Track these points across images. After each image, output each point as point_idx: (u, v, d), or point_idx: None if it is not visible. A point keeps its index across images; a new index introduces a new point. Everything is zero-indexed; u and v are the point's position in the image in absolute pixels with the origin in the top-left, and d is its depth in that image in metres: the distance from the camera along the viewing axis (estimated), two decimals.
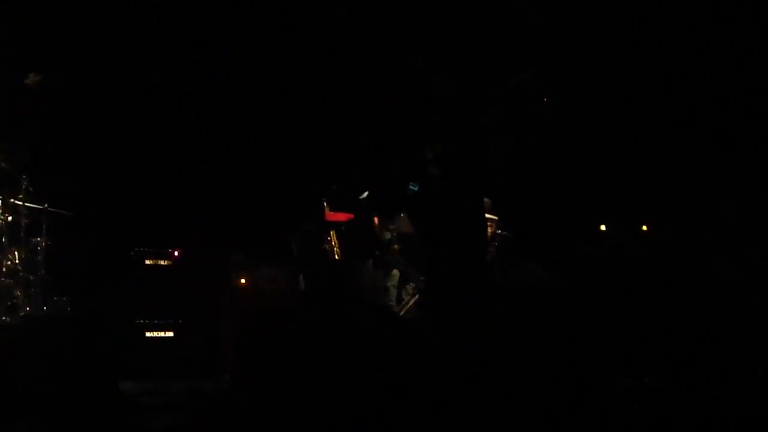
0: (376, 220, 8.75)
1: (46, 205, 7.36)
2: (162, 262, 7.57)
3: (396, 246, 8.63)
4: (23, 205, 7.19)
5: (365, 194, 8.72)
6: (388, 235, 8.74)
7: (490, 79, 5.56)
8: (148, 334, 7.26)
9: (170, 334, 7.33)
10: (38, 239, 7.34)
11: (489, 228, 8.60)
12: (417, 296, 8.41)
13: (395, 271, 8.80)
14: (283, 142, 9.30)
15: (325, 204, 8.89)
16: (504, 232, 8.71)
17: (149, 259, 7.52)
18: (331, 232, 8.86)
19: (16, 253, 7.15)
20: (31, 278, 7.22)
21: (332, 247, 8.82)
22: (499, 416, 4.43)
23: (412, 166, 5.57)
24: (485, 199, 8.11)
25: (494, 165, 5.62)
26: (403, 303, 8.67)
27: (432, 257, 5.75)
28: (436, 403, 4.78)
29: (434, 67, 5.45)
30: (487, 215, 8.40)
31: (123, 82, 8.82)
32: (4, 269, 7.03)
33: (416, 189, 5.60)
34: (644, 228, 8.58)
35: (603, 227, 8.75)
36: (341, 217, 8.94)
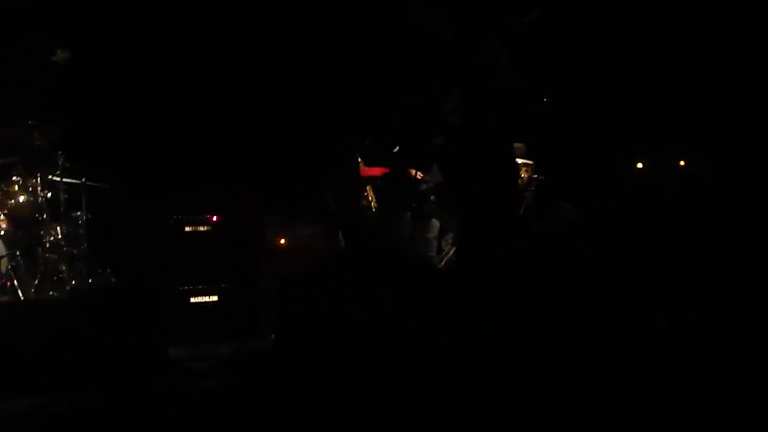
0: (413, 171, 8.74)
1: (83, 180, 7.46)
2: (201, 228, 7.63)
3: (432, 197, 8.62)
4: (61, 180, 7.29)
5: (398, 147, 8.71)
6: (423, 187, 8.74)
7: (495, 19, 5.47)
8: (192, 300, 7.35)
9: (214, 298, 7.40)
10: (78, 213, 7.45)
11: (524, 173, 8.58)
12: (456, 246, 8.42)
13: (434, 222, 8.80)
14: (315, 100, 9.30)
15: (359, 159, 8.91)
16: (540, 176, 8.67)
17: (188, 225, 7.58)
18: (368, 187, 8.89)
19: (58, 228, 7.26)
20: (75, 252, 7.34)
21: (369, 201, 8.86)
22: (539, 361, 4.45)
23: (434, 118, 5.53)
24: (519, 144, 8.07)
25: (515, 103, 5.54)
26: (443, 254, 8.68)
27: (462, 208, 5.74)
28: (477, 349, 4.81)
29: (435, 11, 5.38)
30: (521, 160, 8.37)
31: (151, 48, 8.84)
32: (47, 245, 7.16)
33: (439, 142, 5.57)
34: (682, 163, 8.48)
35: (640, 165, 8.66)
36: (376, 171, 8.96)
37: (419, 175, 8.63)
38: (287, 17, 9.14)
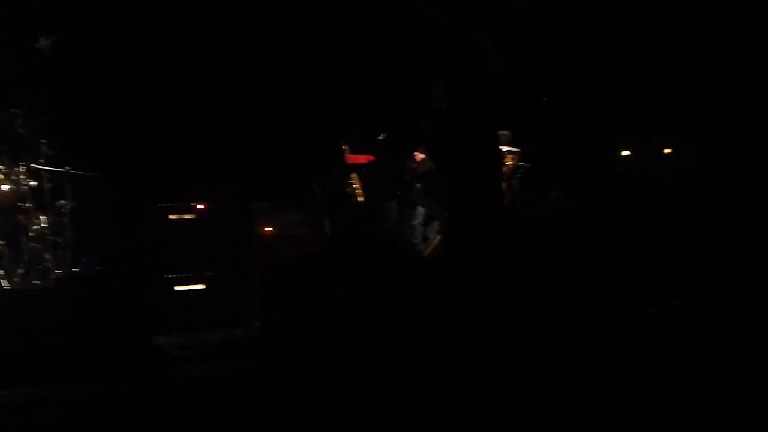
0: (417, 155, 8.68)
1: (67, 168, 7.41)
2: (187, 216, 7.63)
3: (418, 185, 8.61)
4: (45, 169, 7.24)
5: (384, 135, 8.70)
6: (409, 175, 8.73)
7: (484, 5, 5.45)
8: (178, 288, 7.34)
9: (200, 286, 7.41)
10: (63, 202, 7.40)
11: (510, 160, 8.57)
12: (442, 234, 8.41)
13: (420, 210, 8.80)
14: (299, 88, 9.27)
15: (345, 147, 8.89)
16: (525, 164, 8.66)
17: (174, 213, 7.58)
18: (353, 175, 8.88)
19: (42, 217, 7.22)
20: (59, 241, 7.29)
21: (355, 189, 8.85)
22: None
23: (421, 103, 5.50)
24: (504, 132, 8.05)
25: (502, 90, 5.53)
26: (429, 242, 8.68)
27: (449, 193, 5.73)
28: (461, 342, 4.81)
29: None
30: (507, 148, 8.36)
31: (137, 36, 8.79)
32: (31, 234, 7.12)
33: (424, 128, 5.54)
34: (668, 151, 8.49)
35: (626, 152, 8.68)
36: (362, 159, 8.95)
37: (418, 157, 8.60)
38: (276, 6, 9.11)
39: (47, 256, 7.12)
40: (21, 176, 7.10)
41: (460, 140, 5.29)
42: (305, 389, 4.53)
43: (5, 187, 7.05)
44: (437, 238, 8.50)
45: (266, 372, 5.32)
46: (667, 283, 5.16)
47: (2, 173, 7.03)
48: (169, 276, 7.32)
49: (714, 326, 4.64)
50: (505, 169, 8.07)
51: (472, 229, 5.61)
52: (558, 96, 8.38)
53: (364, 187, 8.87)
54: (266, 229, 8.12)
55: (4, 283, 6.73)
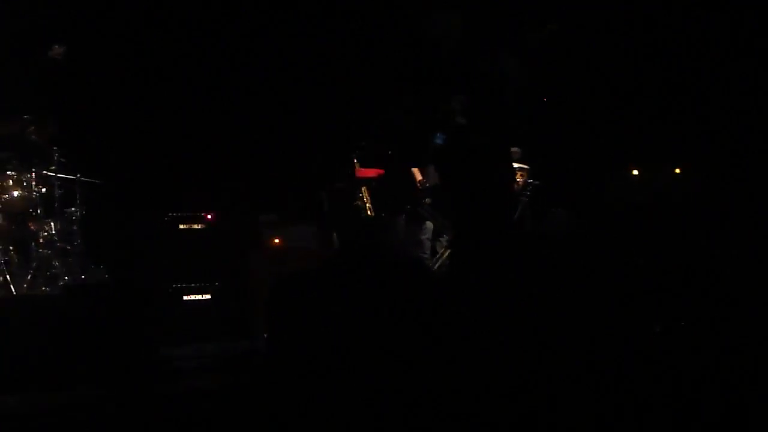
0: (417, 172, 8.70)
1: (78, 175, 7.44)
2: (196, 226, 7.64)
3: (427, 199, 8.61)
4: (56, 176, 7.28)
5: (396, 148, 8.70)
6: (420, 188, 8.73)
7: (509, 29, 5.48)
8: (185, 298, 7.35)
9: (207, 297, 7.41)
10: (73, 209, 7.43)
11: (520, 178, 8.57)
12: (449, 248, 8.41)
13: (428, 224, 8.79)
14: (310, 100, 9.29)
15: (355, 160, 8.90)
16: (535, 182, 8.67)
17: (183, 223, 7.60)
18: (363, 189, 8.88)
19: (51, 224, 7.25)
20: (68, 248, 7.32)
21: (364, 203, 8.84)
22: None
23: (438, 117, 5.48)
24: (515, 149, 8.06)
25: (519, 109, 5.51)
26: (438, 256, 8.67)
27: (459, 209, 5.71)
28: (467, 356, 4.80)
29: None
30: (517, 165, 8.36)
31: (150, 46, 8.83)
32: (41, 240, 7.14)
33: (441, 142, 5.49)
34: (677, 171, 8.48)
35: (635, 171, 8.67)
36: (372, 173, 8.96)
37: (418, 175, 8.62)
38: (289, 14, 9.14)
39: (56, 263, 7.15)
40: (32, 182, 7.14)
41: (477, 155, 5.28)
42: (311, 402, 4.52)
43: (16, 193, 7.08)
44: (446, 253, 8.49)
45: (272, 384, 5.31)
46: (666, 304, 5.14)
47: (13, 179, 7.07)
48: (177, 286, 7.32)
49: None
50: (515, 186, 8.07)
51: (479, 245, 5.60)
52: (570, 113, 8.38)
53: (373, 201, 8.86)
54: (274, 240, 8.13)
55: (13, 289, 6.77)
